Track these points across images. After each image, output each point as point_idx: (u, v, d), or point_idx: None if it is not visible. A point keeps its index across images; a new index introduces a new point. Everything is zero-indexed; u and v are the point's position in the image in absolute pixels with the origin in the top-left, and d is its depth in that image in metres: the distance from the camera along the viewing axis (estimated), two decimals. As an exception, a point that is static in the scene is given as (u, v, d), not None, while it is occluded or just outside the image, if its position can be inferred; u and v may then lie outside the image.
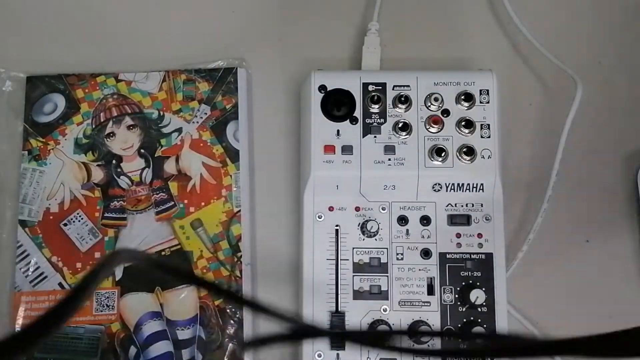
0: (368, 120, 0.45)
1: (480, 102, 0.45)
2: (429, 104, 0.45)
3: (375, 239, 0.45)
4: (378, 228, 0.44)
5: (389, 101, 0.45)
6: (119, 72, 0.51)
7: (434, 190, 0.45)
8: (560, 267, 0.49)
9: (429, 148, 0.44)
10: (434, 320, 0.43)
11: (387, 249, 0.44)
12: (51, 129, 0.50)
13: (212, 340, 0.46)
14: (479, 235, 0.44)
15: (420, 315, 0.43)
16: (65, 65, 0.52)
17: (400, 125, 0.44)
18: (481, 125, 0.45)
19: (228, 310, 0.47)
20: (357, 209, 0.45)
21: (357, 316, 0.43)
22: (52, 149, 0.50)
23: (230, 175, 0.49)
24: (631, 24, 0.53)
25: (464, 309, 0.43)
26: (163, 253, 0.48)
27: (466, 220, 0.45)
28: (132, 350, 0.47)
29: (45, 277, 0.48)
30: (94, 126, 0.50)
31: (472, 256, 0.44)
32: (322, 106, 0.45)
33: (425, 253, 0.44)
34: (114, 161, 0.50)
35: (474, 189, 0.45)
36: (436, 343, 0.43)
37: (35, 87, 0.51)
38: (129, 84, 0.51)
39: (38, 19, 0.54)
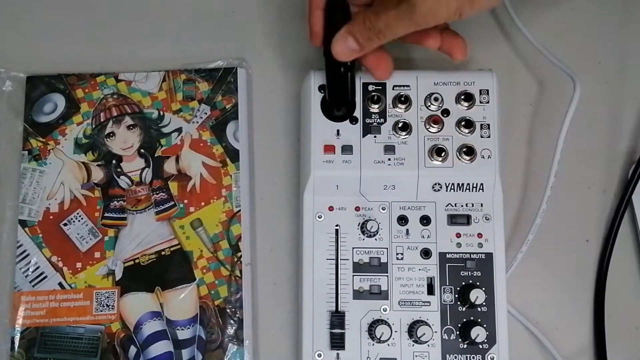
0: (368, 120, 0.45)
1: (480, 102, 0.45)
2: (429, 104, 0.45)
3: (375, 239, 0.45)
4: (378, 228, 0.44)
5: (389, 101, 0.45)
6: (119, 72, 0.51)
7: (434, 190, 0.45)
8: (560, 267, 0.49)
9: (429, 148, 0.44)
10: (434, 320, 0.43)
11: (387, 248, 0.44)
12: (51, 129, 0.50)
13: (212, 340, 0.46)
14: (479, 235, 0.44)
15: (420, 315, 0.43)
16: (65, 65, 0.52)
17: (400, 125, 0.45)
18: (481, 125, 0.45)
19: (228, 310, 0.47)
20: (357, 208, 0.45)
21: (357, 316, 0.43)
22: (52, 149, 0.50)
23: (230, 175, 0.49)
24: (631, 24, 0.53)
25: (464, 309, 0.43)
26: (163, 253, 0.48)
27: (466, 220, 0.45)
28: (132, 350, 0.47)
29: (45, 277, 0.48)
30: (94, 126, 0.50)
31: (472, 256, 0.44)
32: (322, 106, 0.45)
33: (425, 253, 0.44)
34: (114, 161, 0.50)
35: (474, 189, 0.45)
36: (436, 343, 0.43)
37: (35, 87, 0.51)
38: (129, 84, 0.51)
39: (38, 19, 0.54)
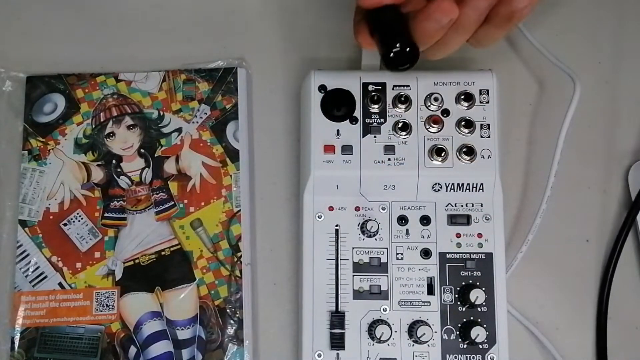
0: (368, 120, 0.45)
1: (480, 102, 0.45)
2: (429, 104, 0.45)
3: (375, 239, 0.45)
4: (378, 228, 0.44)
5: (389, 101, 0.45)
6: (119, 72, 0.51)
7: (434, 190, 0.45)
8: (560, 267, 0.49)
9: (428, 148, 0.44)
10: (434, 320, 0.43)
11: (387, 248, 0.44)
12: (51, 129, 0.50)
13: (212, 340, 0.46)
14: (479, 235, 0.44)
15: (420, 315, 0.43)
16: (65, 65, 0.52)
17: (400, 125, 0.44)
18: (481, 125, 0.45)
19: (228, 310, 0.47)
20: (357, 208, 0.45)
21: (357, 316, 0.43)
22: (52, 149, 0.50)
23: (230, 175, 0.49)
24: (631, 24, 0.53)
25: (464, 309, 0.43)
26: (163, 253, 0.48)
27: (466, 220, 0.45)
28: (132, 350, 0.47)
29: (45, 277, 0.48)
30: (94, 126, 0.50)
31: (472, 256, 0.44)
32: (322, 106, 0.45)
33: (425, 253, 0.44)
34: (114, 161, 0.50)
35: (474, 189, 0.45)
36: (436, 342, 0.43)
37: (35, 87, 0.51)
38: (129, 84, 0.51)
39: (38, 19, 0.54)
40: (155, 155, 0.50)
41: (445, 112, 0.45)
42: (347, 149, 0.44)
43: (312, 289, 0.44)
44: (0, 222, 0.49)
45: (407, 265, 0.44)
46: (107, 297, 0.47)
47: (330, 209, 0.45)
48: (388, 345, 0.43)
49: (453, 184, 0.45)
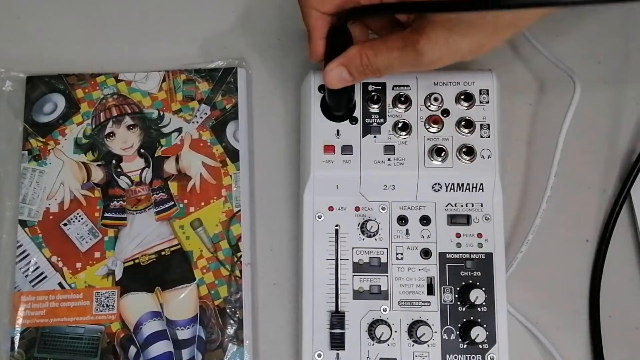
0: (368, 120, 0.45)
1: (480, 102, 0.45)
2: (429, 104, 0.45)
3: (375, 239, 0.45)
4: (378, 228, 0.44)
5: (389, 101, 0.45)
6: (119, 72, 0.51)
7: (434, 190, 0.45)
8: (560, 267, 0.49)
9: (428, 148, 0.44)
10: (434, 320, 0.43)
11: (387, 248, 0.44)
12: (51, 129, 0.50)
13: (212, 340, 0.46)
14: (479, 235, 0.44)
15: (420, 315, 0.43)
16: (65, 65, 0.52)
17: (400, 125, 0.45)
18: (481, 125, 0.45)
19: (228, 310, 0.47)
20: (357, 209, 0.45)
21: (357, 316, 0.43)
22: (52, 149, 0.50)
23: (230, 175, 0.49)
24: (631, 24, 0.53)
25: (463, 309, 0.43)
26: (163, 253, 0.48)
27: (466, 220, 0.45)
28: (132, 350, 0.47)
29: (45, 277, 0.48)
30: (94, 126, 0.50)
31: (472, 256, 0.44)
32: (322, 106, 0.45)
33: (425, 253, 0.44)
34: (114, 161, 0.50)
35: (474, 189, 0.45)
36: (436, 342, 0.43)
37: (35, 87, 0.51)
38: (129, 84, 0.51)
39: (38, 19, 0.54)
40: (155, 155, 0.50)
41: (445, 112, 0.45)
42: (347, 149, 0.44)
43: (312, 289, 0.44)
44: (0, 222, 0.49)
45: (407, 265, 0.44)
46: (107, 297, 0.47)
47: (330, 209, 0.45)
48: (388, 345, 0.43)
49: (453, 184, 0.45)
